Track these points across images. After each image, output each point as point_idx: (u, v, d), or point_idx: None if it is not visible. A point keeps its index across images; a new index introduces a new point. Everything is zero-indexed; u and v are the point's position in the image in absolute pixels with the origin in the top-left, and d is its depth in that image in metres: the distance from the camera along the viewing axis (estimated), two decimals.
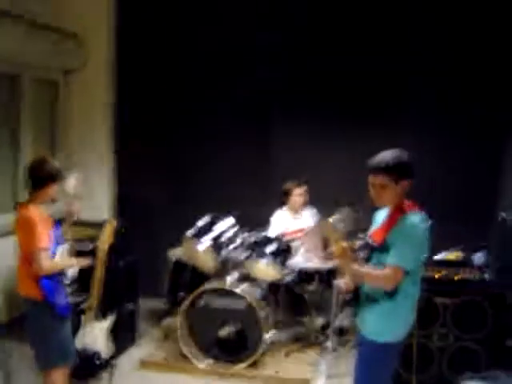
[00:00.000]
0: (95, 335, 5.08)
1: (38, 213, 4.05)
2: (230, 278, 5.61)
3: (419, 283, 3.61)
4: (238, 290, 5.39)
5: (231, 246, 5.64)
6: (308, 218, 6.39)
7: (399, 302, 3.51)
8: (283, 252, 5.58)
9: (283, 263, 5.58)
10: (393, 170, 3.48)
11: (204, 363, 5.42)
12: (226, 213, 5.82)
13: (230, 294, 5.40)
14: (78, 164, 7.03)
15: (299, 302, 6.35)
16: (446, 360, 5.01)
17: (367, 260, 3.63)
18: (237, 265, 5.72)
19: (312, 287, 5.89)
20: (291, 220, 6.37)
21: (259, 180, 7.09)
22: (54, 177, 4.13)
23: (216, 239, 5.56)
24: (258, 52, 6.96)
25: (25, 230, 4.01)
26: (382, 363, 3.62)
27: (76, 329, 4.84)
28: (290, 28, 6.85)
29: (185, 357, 5.49)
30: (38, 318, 4.10)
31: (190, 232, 5.58)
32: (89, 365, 5.00)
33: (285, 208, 6.44)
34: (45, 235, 3.99)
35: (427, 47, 6.54)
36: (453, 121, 6.54)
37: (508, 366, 4.71)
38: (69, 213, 4.39)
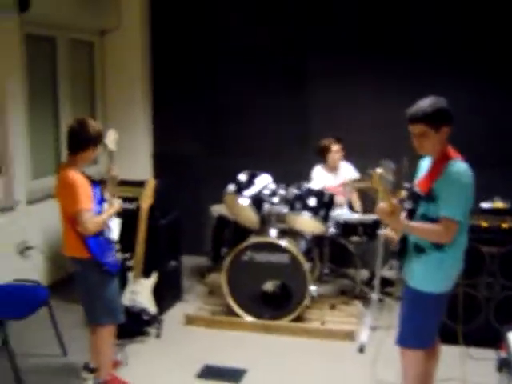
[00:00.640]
0: (142, 292, 5.17)
1: (79, 175, 4.05)
2: (274, 232, 5.61)
3: (467, 233, 3.57)
4: (282, 244, 5.39)
5: (273, 200, 5.62)
6: (346, 173, 6.34)
7: (447, 252, 3.49)
8: (326, 204, 5.53)
9: (327, 215, 5.54)
10: (431, 118, 3.44)
11: (249, 317, 5.46)
12: (263, 169, 5.80)
13: (273, 247, 5.40)
14: (115, 123, 7.09)
15: (344, 254, 6.35)
16: (493, 310, 4.97)
17: (414, 210, 3.58)
18: (280, 218, 5.71)
19: (356, 239, 5.87)
20: (330, 176, 6.32)
21: (296, 135, 7.07)
22: (95, 140, 4.11)
23: (258, 193, 5.55)
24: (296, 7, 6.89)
25: (67, 193, 4.02)
26: (430, 313, 3.60)
27: (123, 286, 4.91)
28: None
29: (230, 312, 5.55)
30: (86, 276, 4.15)
31: (231, 187, 5.58)
32: (137, 321, 5.10)
33: (322, 165, 6.39)
34: (87, 196, 4.01)
35: None
36: (490, 68, 6.42)
37: None
38: (111, 175, 4.38)
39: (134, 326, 5.08)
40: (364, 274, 6.31)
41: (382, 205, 3.49)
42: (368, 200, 6.19)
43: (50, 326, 4.90)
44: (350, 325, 5.42)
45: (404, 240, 3.65)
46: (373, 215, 5.75)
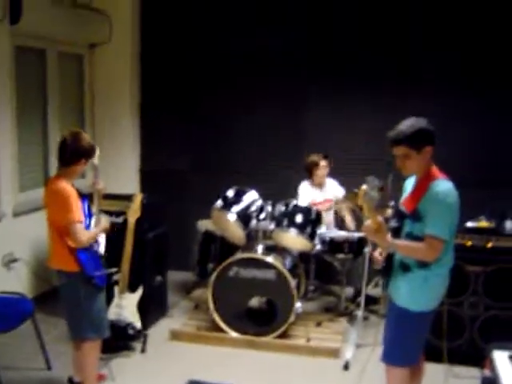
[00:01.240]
0: (127, 307, 5.15)
1: (69, 187, 4.06)
2: (260, 248, 5.63)
3: (452, 251, 3.60)
4: (268, 260, 5.40)
5: (260, 216, 5.65)
6: (332, 189, 6.38)
7: (433, 270, 3.52)
8: (313, 221, 5.56)
9: (313, 232, 5.56)
10: (412, 139, 3.49)
11: (234, 333, 5.45)
12: (250, 186, 5.82)
13: (260, 263, 5.42)
14: (103, 137, 7.10)
15: (329, 271, 6.38)
16: (477, 328, 4.99)
17: (399, 228, 3.62)
18: (266, 235, 5.73)
19: (342, 256, 5.88)
20: (316, 192, 6.36)
21: (285, 152, 7.10)
22: (87, 153, 4.13)
23: (245, 210, 5.57)
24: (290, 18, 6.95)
25: (57, 205, 4.01)
26: (415, 331, 3.63)
27: (108, 301, 4.90)
28: None
29: (215, 327, 5.54)
30: (73, 289, 4.12)
31: (218, 203, 5.60)
32: (122, 335, 5.09)
33: (308, 181, 6.42)
34: (78, 208, 4.01)
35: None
36: (477, 87, 6.48)
37: None
38: (97, 189, 4.38)
39: (119, 340, 5.06)
40: (349, 291, 6.33)
41: (368, 223, 3.52)
42: (355, 218, 6.24)
43: (35, 340, 4.87)
44: (335, 342, 5.43)
45: (389, 258, 3.67)
46: (358, 233, 5.80)
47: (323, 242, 5.85)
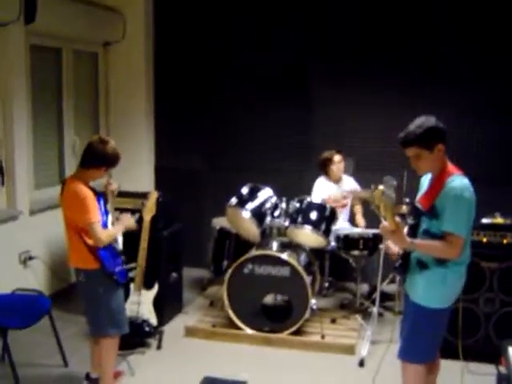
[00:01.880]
0: (143, 303, 5.18)
1: (85, 188, 4.08)
2: (275, 245, 5.64)
3: (469, 248, 3.60)
4: (283, 257, 5.41)
5: (275, 213, 5.66)
6: (349, 185, 6.37)
7: (451, 267, 3.52)
8: (328, 218, 5.56)
9: (328, 229, 5.56)
10: (422, 139, 3.49)
11: (249, 330, 5.47)
12: (265, 183, 5.83)
13: (275, 260, 5.42)
14: (118, 135, 7.13)
15: (344, 268, 6.38)
16: (493, 325, 4.98)
17: (416, 226, 3.61)
18: (281, 232, 5.74)
19: (357, 253, 5.89)
20: (334, 188, 6.35)
21: (298, 148, 7.12)
22: (110, 161, 4.15)
23: (259, 207, 5.58)
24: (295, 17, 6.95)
25: (76, 205, 4.03)
26: (432, 328, 3.63)
27: (125, 297, 4.92)
28: None
29: (230, 324, 5.56)
30: (93, 287, 4.15)
31: (233, 200, 5.61)
32: (138, 332, 5.12)
33: (325, 177, 6.42)
34: (95, 208, 4.04)
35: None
36: (490, 83, 6.47)
37: None
38: (110, 189, 4.42)
39: (136, 337, 5.08)
40: (364, 287, 6.33)
41: (385, 224, 3.52)
42: (369, 214, 6.23)
43: (52, 336, 4.90)
44: (350, 339, 5.43)
45: (406, 255, 3.67)
46: (373, 229, 5.79)
47: (338, 238, 5.85)
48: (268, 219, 5.64)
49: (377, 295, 5.45)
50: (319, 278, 5.96)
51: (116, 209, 4.68)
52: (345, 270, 6.56)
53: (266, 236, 5.76)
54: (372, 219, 5.81)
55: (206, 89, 7.33)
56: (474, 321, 4.97)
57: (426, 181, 3.73)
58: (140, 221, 5.18)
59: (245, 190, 5.68)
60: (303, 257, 5.79)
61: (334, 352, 5.28)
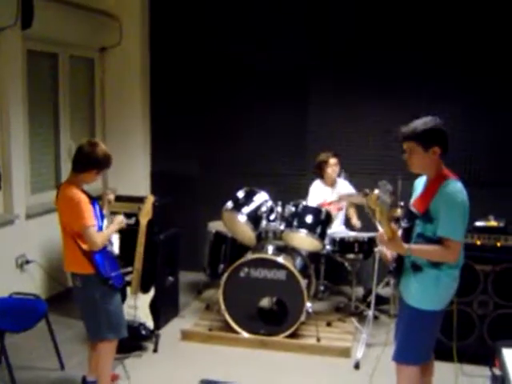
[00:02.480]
0: (139, 307, 5.20)
1: (79, 193, 4.09)
2: (271, 249, 5.67)
3: (463, 251, 3.62)
4: (278, 260, 5.44)
5: (271, 217, 5.69)
6: (344, 188, 6.40)
7: (444, 270, 3.55)
8: (323, 222, 5.60)
9: (323, 233, 5.60)
10: (420, 136, 3.53)
11: (245, 333, 5.49)
12: (260, 187, 5.86)
13: (270, 264, 5.45)
14: (114, 140, 7.16)
15: (339, 271, 6.41)
16: (486, 327, 5.01)
17: (410, 229, 3.65)
18: (276, 235, 5.77)
19: (352, 256, 5.92)
20: (328, 190, 6.38)
21: (294, 153, 7.15)
22: (102, 164, 4.16)
23: (255, 210, 5.61)
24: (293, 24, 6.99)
25: (71, 210, 4.05)
26: (427, 330, 3.67)
27: (122, 301, 4.93)
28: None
29: (226, 327, 5.58)
30: (89, 292, 4.15)
31: (229, 204, 5.64)
32: (135, 335, 5.13)
33: (320, 180, 6.45)
34: (89, 213, 4.06)
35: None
36: (489, 89, 6.51)
37: None
38: (107, 199, 4.44)
39: (132, 340, 5.09)
40: (359, 291, 6.36)
41: (381, 231, 3.55)
42: (364, 217, 6.26)
43: (48, 340, 4.92)
44: (346, 341, 5.47)
45: (400, 258, 3.69)
46: (368, 233, 5.83)
47: (333, 242, 5.88)
48: (264, 223, 5.66)
49: (372, 298, 5.49)
50: (315, 281, 5.99)
51: (112, 213, 4.70)
52: (340, 274, 6.60)
53: (261, 240, 5.79)
54: (367, 223, 5.84)
55: (202, 94, 7.36)
56: (468, 323, 5.00)
57: (419, 184, 3.76)
58: (136, 225, 5.20)
59: (240, 194, 5.71)
60: (299, 260, 5.82)
61: (329, 355, 5.31)
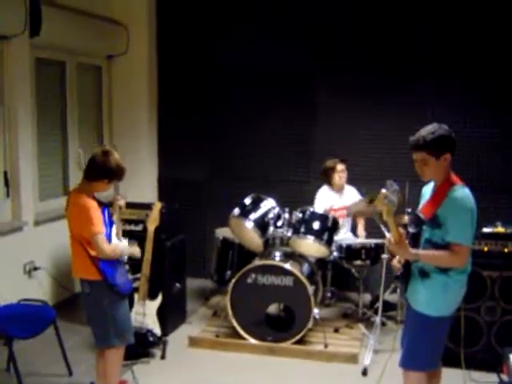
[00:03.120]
0: (147, 313, 5.21)
1: (89, 200, 4.11)
2: (278, 255, 5.68)
3: (470, 257, 3.63)
4: (286, 266, 5.44)
5: (278, 223, 5.70)
6: (351, 195, 6.41)
7: (452, 276, 3.56)
8: (330, 228, 5.60)
9: (330, 239, 5.60)
10: (432, 145, 3.52)
11: (253, 340, 5.50)
12: (267, 193, 5.88)
13: (278, 270, 5.46)
14: (122, 146, 7.18)
15: (346, 277, 6.41)
16: (494, 333, 5.00)
17: (417, 235, 3.65)
18: (284, 242, 5.77)
19: (359, 263, 5.91)
20: (336, 197, 6.39)
21: (300, 159, 7.16)
22: (114, 174, 4.15)
23: (262, 217, 5.62)
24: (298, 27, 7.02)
25: (80, 217, 4.06)
26: (434, 336, 3.66)
27: (130, 307, 4.95)
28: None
29: (233, 334, 5.59)
30: (97, 298, 4.16)
31: (236, 210, 5.65)
32: (142, 342, 5.14)
33: (327, 186, 6.46)
34: (99, 220, 4.07)
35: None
36: (497, 96, 6.51)
37: None
38: (118, 204, 4.45)
39: (140, 347, 5.10)
40: (366, 297, 6.35)
41: (389, 236, 3.56)
42: (372, 224, 6.26)
43: (56, 346, 4.93)
44: (353, 348, 5.46)
45: (407, 264, 3.70)
46: (376, 239, 5.83)
47: (340, 248, 5.88)
48: (271, 229, 5.67)
49: (379, 305, 5.48)
50: (322, 287, 5.99)
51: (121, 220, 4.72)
52: (347, 280, 6.59)
53: (268, 246, 5.80)
54: (374, 229, 5.85)
55: (210, 100, 7.38)
56: (476, 329, 5.00)
57: (427, 190, 3.77)
58: (144, 231, 5.22)
59: (248, 201, 5.72)
60: (306, 267, 5.82)
61: (337, 361, 5.31)
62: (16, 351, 4.54)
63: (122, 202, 4.47)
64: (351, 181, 6.49)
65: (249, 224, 5.55)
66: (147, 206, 5.40)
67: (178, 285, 5.97)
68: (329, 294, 6.49)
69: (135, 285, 5.13)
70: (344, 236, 6.22)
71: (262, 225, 5.59)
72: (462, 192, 3.52)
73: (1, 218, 5.74)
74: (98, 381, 4.49)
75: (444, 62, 6.60)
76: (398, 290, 5.93)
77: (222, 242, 6.25)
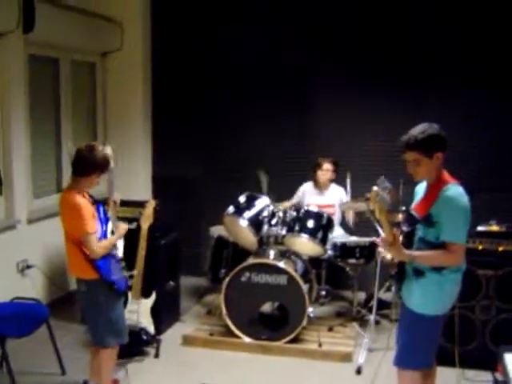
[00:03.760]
0: (141, 312, 5.20)
1: (82, 198, 4.08)
2: (272, 253, 5.66)
3: (465, 256, 3.61)
4: (280, 265, 5.43)
5: (272, 222, 5.69)
6: (332, 195, 6.43)
7: (446, 275, 3.55)
8: (324, 226, 5.60)
9: (325, 237, 5.59)
10: (423, 145, 3.51)
11: (247, 338, 5.48)
12: (261, 191, 5.87)
13: (272, 268, 5.44)
14: (116, 144, 7.15)
15: (341, 276, 6.40)
16: (489, 332, 5.00)
17: (411, 233, 3.64)
18: (278, 240, 5.76)
19: (354, 261, 5.90)
20: (316, 194, 6.43)
21: (295, 158, 7.13)
22: (101, 166, 4.13)
23: (257, 215, 5.61)
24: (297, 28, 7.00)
25: (72, 216, 4.04)
26: (428, 335, 3.65)
27: (124, 305, 4.93)
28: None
29: (227, 332, 5.57)
30: (93, 297, 4.15)
31: (231, 208, 5.64)
32: (136, 340, 5.13)
33: (312, 183, 6.49)
34: (91, 219, 4.05)
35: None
36: (490, 94, 6.52)
37: None
38: (113, 200, 4.43)
39: (134, 345, 5.08)
40: (361, 296, 6.34)
41: (383, 236, 3.54)
42: (364, 222, 6.25)
43: (49, 345, 4.91)
44: (347, 346, 5.45)
45: (401, 263, 3.68)
46: (370, 238, 5.81)
47: (334, 247, 5.87)
48: (265, 228, 5.66)
49: (374, 303, 5.48)
50: (316, 286, 5.98)
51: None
52: (341, 278, 6.59)
53: (263, 244, 5.78)
54: (367, 227, 5.84)
55: (204, 97, 7.35)
56: (471, 328, 5.00)
57: (421, 189, 3.76)
58: (138, 229, 5.20)
59: (242, 199, 5.71)
60: (300, 265, 5.81)
61: (331, 360, 5.30)
62: (9, 350, 4.53)
63: (116, 197, 4.45)
64: (351, 179, 6.46)
65: (243, 222, 5.54)
66: (141, 204, 5.38)
67: (171, 283, 5.95)
68: (323, 293, 6.46)
69: (129, 283, 5.11)
70: (335, 232, 6.20)
71: (256, 223, 5.58)
72: (455, 191, 3.50)
73: None
74: (92, 378, 4.48)
75: (444, 60, 6.59)
76: (393, 289, 5.92)
77: (217, 240, 6.23)
